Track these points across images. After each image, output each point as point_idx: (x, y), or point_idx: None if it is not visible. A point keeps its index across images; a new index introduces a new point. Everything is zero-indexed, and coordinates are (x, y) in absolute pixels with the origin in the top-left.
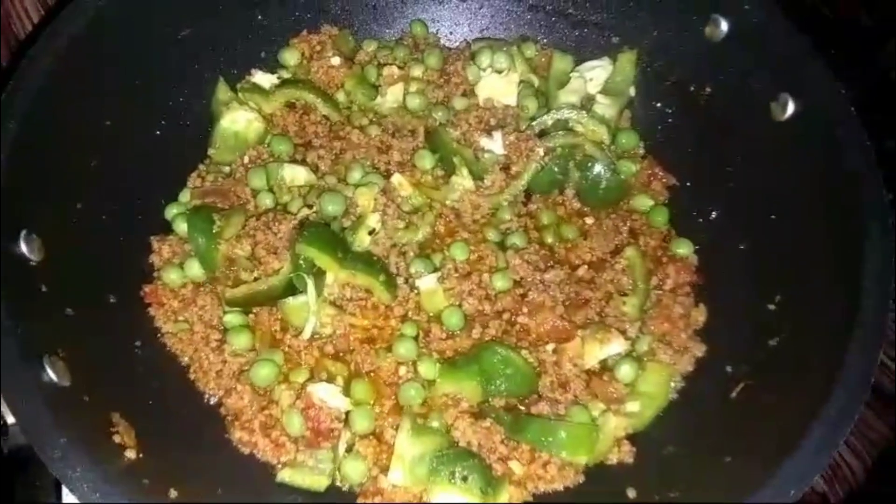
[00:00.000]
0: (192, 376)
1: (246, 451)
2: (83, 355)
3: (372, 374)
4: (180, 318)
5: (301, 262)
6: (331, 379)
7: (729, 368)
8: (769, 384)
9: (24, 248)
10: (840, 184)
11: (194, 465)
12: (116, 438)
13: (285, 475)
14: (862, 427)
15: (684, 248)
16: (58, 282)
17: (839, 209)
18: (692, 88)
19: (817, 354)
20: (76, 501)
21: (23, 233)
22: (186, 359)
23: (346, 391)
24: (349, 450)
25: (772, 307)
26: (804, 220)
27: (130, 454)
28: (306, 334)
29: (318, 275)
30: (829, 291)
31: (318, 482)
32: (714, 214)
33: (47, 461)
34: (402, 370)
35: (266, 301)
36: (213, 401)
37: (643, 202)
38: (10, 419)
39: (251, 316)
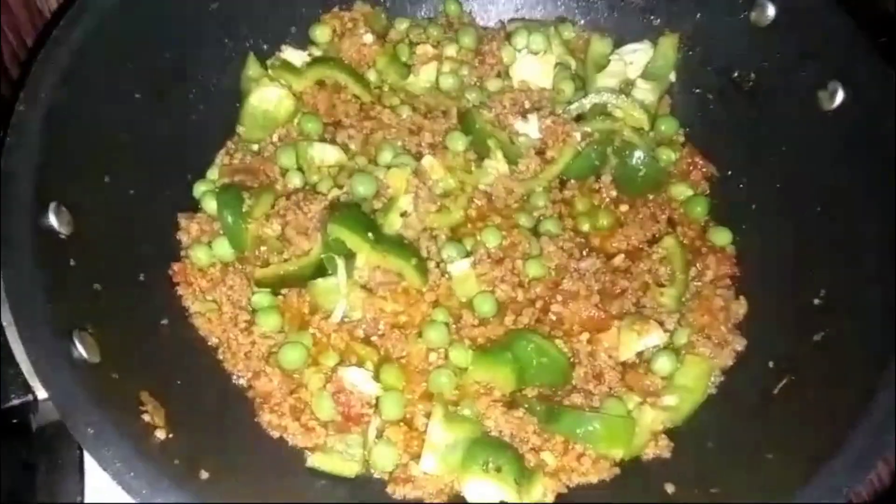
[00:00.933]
0: (220, 357)
1: (275, 434)
2: (112, 332)
3: (402, 360)
4: (208, 297)
5: (331, 243)
6: (360, 363)
7: (771, 364)
8: (813, 381)
9: (53, 220)
10: (888, 176)
11: (224, 448)
12: (146, 417)
13: (315, 460)
14: None
15: (723, 238)
16: (86, 256)
17: (887, 202)
18: (735, 75)
19: (863, 352)
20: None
21: (52, 205)
22: (215, 339)
23: (376, 376)
24: (379, 436)
25: (817, 301)
26: (850, 213)
27: (160, 434)
28: (336, 317)
29: (349, 257)
30: (876, 287)
31: (349, 468)
32: (755, 205)
33: (80, 438)
34: (433, 356)
35: (295, 282)
36: (242, 382)
37: (682, 191)
38: (42, 395)
39: (280, 297)
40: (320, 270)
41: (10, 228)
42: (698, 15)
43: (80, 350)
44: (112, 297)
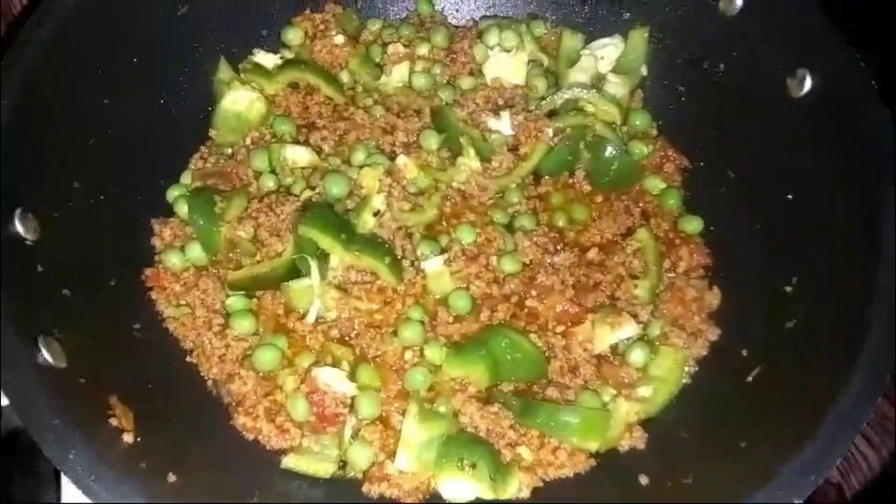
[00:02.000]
0: (194, 361)
1: (250, 437)
2: (80, 338)
3: (378, 359)
4: (182, 302)
5: (304, 243)
6: (336, 363)
7: (744, 352)
8: (786, 368)
9: (19, 226)
10: (859, 162)
11: (195, 450)
12: (113, 422)
13: (290, 461)
14: (878, 416)
15: (694, 226)
16: (54, 262)
17: (857, 188)
18: (706, 66)
19: (835, 338)
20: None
21: (17, 211)
22: (188, 343)
23: (352, 376)
24: (355, 435)
25: (788, 289)
26: (821, 201)
27: (128, 437)
28: (311, 318)
29: (322, 257)
30: (847, 273)
31: (324, 468)
32: (728, 195)
33: (41, 443)
34: (408, 355)
35: (269, 284)
36: (216, 386)
37: (655, 184)
38: (5, 401)
39: (254, 300)
40: (294, 272)
41: None
42: (668, 7)
43: (46, 355)
44: (81, 303)
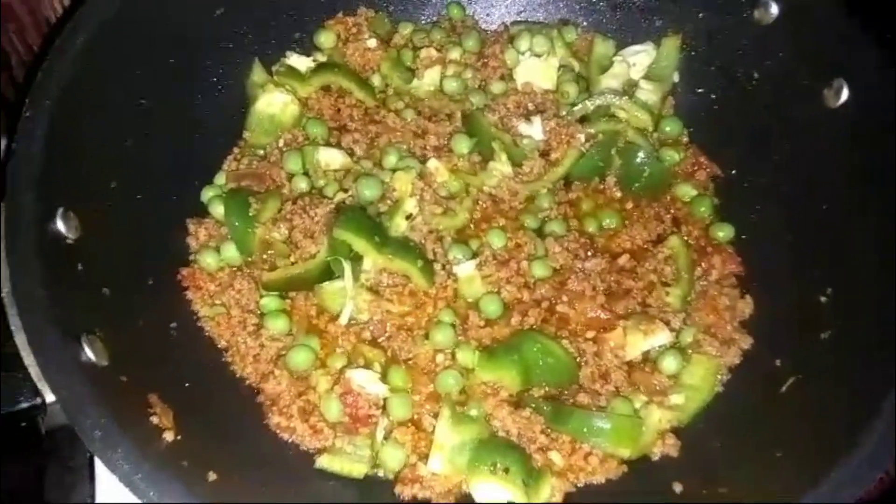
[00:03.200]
0: (229, 360)
1: (284, 436)
2: (120, 336)
3: (409, 362)
4: (217, 301)
5: (337, 246)
6: (368, 365)
7: (778, 362)
8: (821, 380)
9: (60, 225)
10: (893, 173)
11: (232, 449)
12: (154, 420)
13: (324, 461)
14: None
15: (725, 232)
16: (94, 261)
17: (892, 199)
18: (739, 74)
19: (871, 350)
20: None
21: (59, 210)
22: (223, 343)
23: (384, 378)
24: (387, 437)
25: (823, 300)
26: (856, 211)
27: (168, 436)
28: (343, 320)
29: (355, 260)
30: (883, 284)
31: (357, 469)
32: (760, 204)
33: (87, 441)
34: (440, 358)
35: (303, 285)
36: (250, 385)
37: (686, 191)
38: (50, 398)
39: (287, 301)
40: (327, 273)
41: (17, 234)
42: (701, 15)
43: (89, 353)
44: (121, 302)
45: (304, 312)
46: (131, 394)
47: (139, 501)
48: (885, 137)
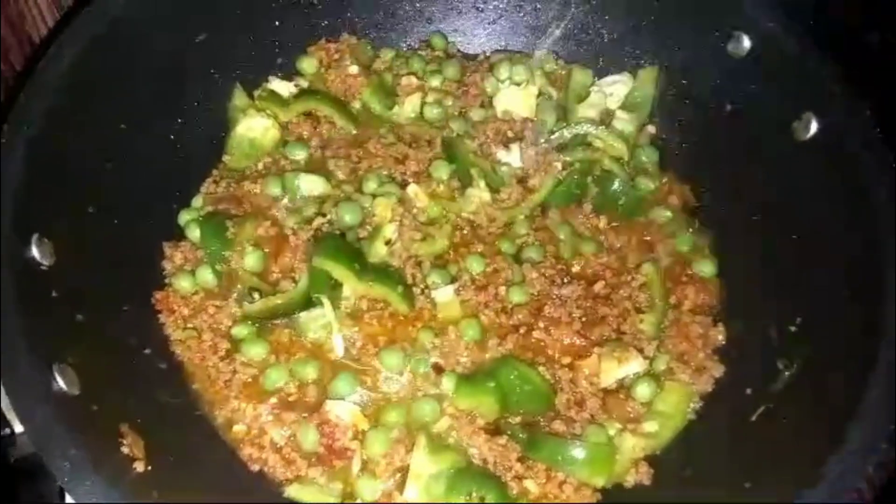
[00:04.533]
0: (197, 386)
1: (255, 467)
2: (93, 363)
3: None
4: (189, 325)
5: (318, 274)
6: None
7: (748, 391)
8: (790, 409)
9: (35, 252)
10: (862, 206)
11: (203, 480)
12: (125, 450)
13: (293, 491)
14: None
15: (708, 269)
16: (69, 287)
17: (861, 231)
18: (713, 105)
19: (839, 379)
20: None
21: (34, 237)
22: (193, 367)
23: (377, 417)
24: (363, 468)
25: (793, 329)
26: (825, 243)
27: (139, 466)
28: (339, 352)
29: (335, 288)
30: (851, 314)
31: (327, 500)
32: (733, 232)
33: (56, 472)
34: (419, 382)
35: (283, 314)
36: (221, 415)
37: (661, 213)
38: (18, 428)
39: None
40: (308, 303)
41: None
42: (676, 47)
43: (60, 383)
44: (94, 328)
45: (274, 337)
46: (102, 423)
47: None
48: (854, 170)
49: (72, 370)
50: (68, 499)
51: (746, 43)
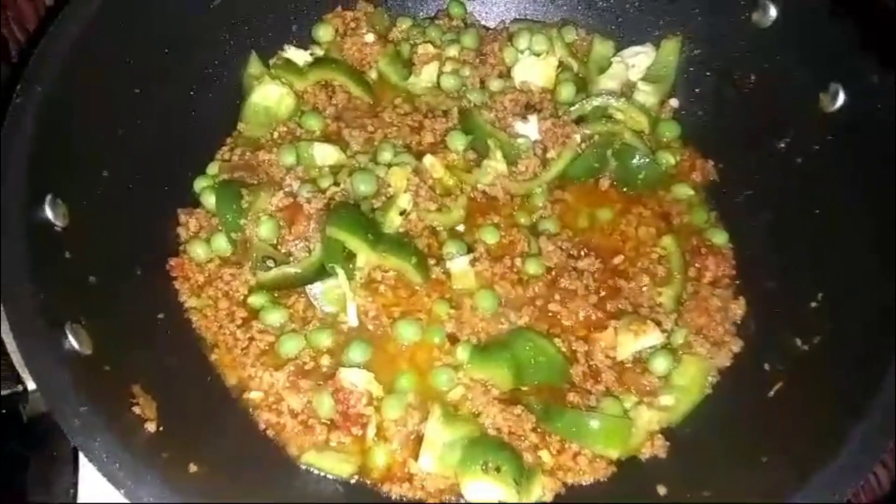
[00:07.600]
0: (212, 353)
1: (272, 433)
2: (105, 325)
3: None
4: (204, 293)
5: (332, 244)
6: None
7: (766, 366)
8: (808, 384)
9: (49, 212)
10: (888, 178)
11: (216, 443)
12: (136, 410)
13: (310, 458)
14: None
15: (720, 238)
16: (82, 249)
17: (886, 204)
18: (736, 76)
19: (858, 357)
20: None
21: (48, 197)
22: (209, 335)
23: (391, 384)
24: (378, 435)
25: (814, 305)
26: (849, 215)
27: (150, 427)
28: (353, 321)
29: (349, 258)
30: (873, 293)
31: (344, 468)
32: (755, 207)
33: (67, 429)
34: (436, 353)
35: (297, 284)
36: (238, 380)
37: (683, 191)
38: (31, 385)
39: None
40: (322, 272)
41: (4, 220)
42: (700, 17)
43: (73, 342)
44: (107, 291)
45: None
46: (114, 383)
47: (122, 501)
48: (881, 142)
49: (84, 331)
50: (81, 459)
51: (773, 13)
